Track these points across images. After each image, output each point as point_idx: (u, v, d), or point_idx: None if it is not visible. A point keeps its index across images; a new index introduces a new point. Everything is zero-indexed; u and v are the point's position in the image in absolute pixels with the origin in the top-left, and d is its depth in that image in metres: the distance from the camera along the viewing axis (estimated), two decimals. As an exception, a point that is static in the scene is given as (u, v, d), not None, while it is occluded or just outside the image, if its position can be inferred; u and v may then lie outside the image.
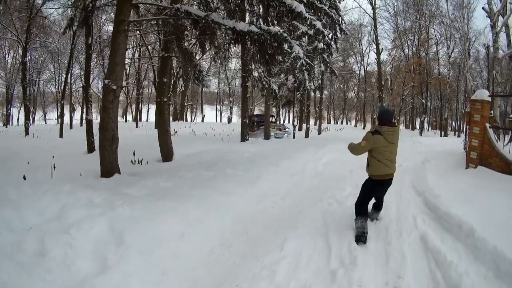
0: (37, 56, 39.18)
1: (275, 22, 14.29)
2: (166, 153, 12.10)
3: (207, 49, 11.00)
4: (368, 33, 44.75)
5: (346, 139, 21.16)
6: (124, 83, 21.28)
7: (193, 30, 9.96)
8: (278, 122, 32.19)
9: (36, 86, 45.04)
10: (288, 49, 10.00)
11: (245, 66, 16.89)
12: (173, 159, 12.08)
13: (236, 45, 10.05)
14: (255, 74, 17.87)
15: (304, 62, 17.77)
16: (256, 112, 51.93)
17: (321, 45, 18.19)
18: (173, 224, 4.93)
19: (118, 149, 8.58)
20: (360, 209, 5.52)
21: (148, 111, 60.62)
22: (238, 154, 11.51)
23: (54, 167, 8.98)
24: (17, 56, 36.11)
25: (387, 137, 5.25)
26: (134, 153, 11.14)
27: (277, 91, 19.25)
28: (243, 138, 17.54)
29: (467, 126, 13.97)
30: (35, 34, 28.49)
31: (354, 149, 5.49)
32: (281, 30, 8.76)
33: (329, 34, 18.13)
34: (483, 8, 17.35)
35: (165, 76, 12.58)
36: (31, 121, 44.44)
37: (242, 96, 17.51)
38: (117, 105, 8.99)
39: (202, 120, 58.26)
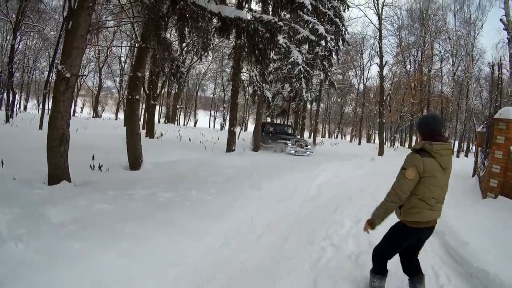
0: (34, 42, 37.38)
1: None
2: (133, 161, 10.32)
3: (188, 40, 9.36)
4: (370, 46, 43.89)
5: (343, 154, 19.95)
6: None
7: (172, 14, 8.28)
8: (297, 135, 24.65)
9: (32, 73, 43.56)
10: (283, 44, 8.19)
11: (236, 68, 15.30)
12: (141, 167, 10.33)
13: (223, 35, 8.26)
14: (246, 76, 16.02)
15: (302, 69, 16.28)
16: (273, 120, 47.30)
17: (321, 51, 16.67)
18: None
19: (89, 149, 6.88)
20: (381, 265, 3.80)
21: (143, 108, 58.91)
22: (216, 169, 9.75)
23: (2, 163, 7.59)
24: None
25: (441, 159, 3.37)
26: (93, 157, 9.33)
27: (270, 99, 17.30)
28: (229, 149, 15.80)
29: (478, 148, 12.50)
30: (30, 18, 26.72)
31: (391, 197, 3.50)
32: (275, 19, 7.02)
33: (332, 40, 16.59)
34: (500, 19, 15.78)
35: (140, 70, 10.83)
36: (21, 108, 43.42)
37: (231, 102, 15.76)
38: (71, 97, 7.24)
39: (195, 125, 56.83)
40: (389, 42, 38.56)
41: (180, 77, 10.82)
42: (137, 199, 5.93)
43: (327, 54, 17.29)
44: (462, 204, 7.60)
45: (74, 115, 41.99)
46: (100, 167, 9.26)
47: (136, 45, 12.05)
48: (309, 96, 20.18)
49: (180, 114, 59.66)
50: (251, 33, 7.20)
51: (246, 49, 7.94)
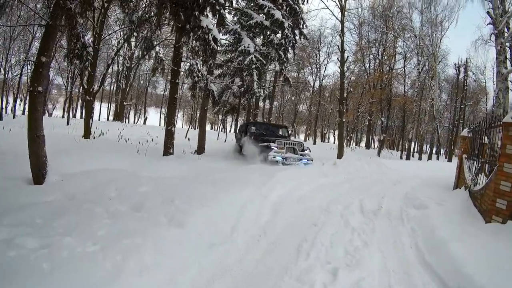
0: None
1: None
2: (36, 172, 7.64)
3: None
4: (328, 43, 42.82)
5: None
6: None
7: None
8: (291, 137, 19.52)
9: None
10: (229, 24, 6.00)
11: (176, 57, 12.84)
12: (45, 180, 7.74)
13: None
14: (186, 65, 13.45)
15: (254, 59, 14.11)
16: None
17: (278, 40, 14.56)
18: None
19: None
20: None
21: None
22: (132, 185, 7.08)
23: None
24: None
25: None
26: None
27: (215, 92, 14.53)
28: (166, 152, 13.29)
29: (463, 155, 10.74)
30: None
31: None
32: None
33: (289, 28, 14.52)
34: (487, 12, 14.12)
35: (46, 53, 8.21)
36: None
37: (169, 96, 13.20)
38: None
39: (144, 123, 53.88)
40: (348, 40, 37.20)
41: (87, 58, 8.26)
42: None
43: (283, 43, 15.16)
44: (465, 232, 5.62)
45: (24, 113, 38.37)
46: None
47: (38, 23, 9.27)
48: (262, 92, 17.98)
49: (129, 112, 56.77)
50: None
51: (168, 6, 5.58)
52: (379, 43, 37.25)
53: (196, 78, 12.21)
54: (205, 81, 12.95)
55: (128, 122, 47.67)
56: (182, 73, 12.97)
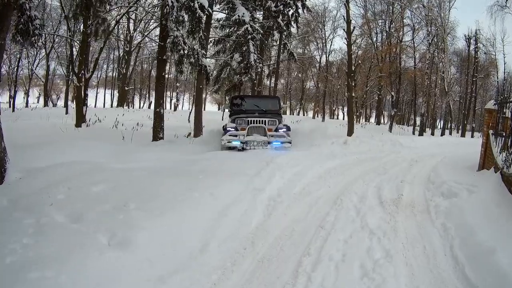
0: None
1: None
2: None
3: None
4: (333, 18, 41.28)
5: (307, 134, 16.04)
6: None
7: None
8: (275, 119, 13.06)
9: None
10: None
11: (162, 31, 11.44)
12: (4, 179, 6.52)
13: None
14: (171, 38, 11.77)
15: (250, 29, 12.69)
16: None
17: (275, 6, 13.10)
18: None
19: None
20: None
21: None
22: (90, 183, 5.50)
23: None
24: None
25: None
26: None
27: (208, 68, 12.70)
28: (156, 136, 12.04)
29: (489, 131, 9.26)
30: None
31: None
32: None
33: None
34: None
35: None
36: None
37: (157, 74, 11.78)
38: None
39: (149, 107, 52.92)
40: (353, 13, 35.44)
41: (34, 34, 6.91)
42: None
43: (281, 9, 13.68)
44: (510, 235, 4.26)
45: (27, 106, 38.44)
46: None
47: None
48: (265, 67, 16.59)
49: (133, 97, 55.66)
50: None
51: None
52: (386, 15, 35.28)
53: (182, 52, 10.77)
54: (196, 56, 11.51)
55: (133, 108, 46.83)
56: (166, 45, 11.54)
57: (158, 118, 12.14)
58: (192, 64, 11.66)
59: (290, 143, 11.32)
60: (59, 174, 6.09)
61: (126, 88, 43.31)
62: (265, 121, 11.77)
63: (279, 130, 11.70)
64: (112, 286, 3.04)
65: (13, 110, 28.43)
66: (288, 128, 12.22)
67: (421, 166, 10.11)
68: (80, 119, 15.69)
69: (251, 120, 11.66)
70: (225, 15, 17.13)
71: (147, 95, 59.11)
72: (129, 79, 44.15)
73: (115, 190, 5.20)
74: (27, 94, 42.13)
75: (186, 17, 10.40)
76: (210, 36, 18.71)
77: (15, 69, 31.87)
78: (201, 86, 14.53)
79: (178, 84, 49.79)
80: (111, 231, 3.81)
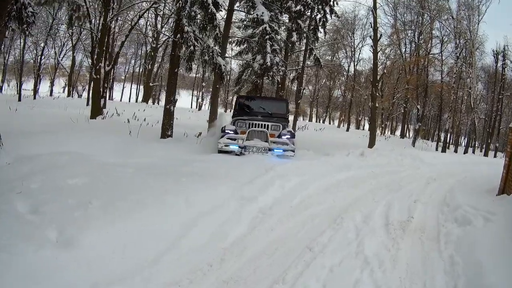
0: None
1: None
2: None
3: None
4: (363, 26, 40.15)
5: (326, 143, 15.53)
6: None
7: None
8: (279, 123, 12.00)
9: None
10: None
11: (177, 27, 11.05)
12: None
13: None
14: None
15: (269, 29, 12.24)
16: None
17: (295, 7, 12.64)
18: None
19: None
20: None
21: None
22: (68, 175, 5.24)
23: None
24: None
25: None
26: None
27: (223, 67, 11.96)
28: (164, 134, 11.69)
29: (511, 151, 8.49)
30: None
31: None
32: None
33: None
34: None
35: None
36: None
37: (169, 70, 11.42)
38: None
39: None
40: (383, 22, 34.92)
41: (26, 21, 6.66)
42: None
43: (303, 10, 13.19)
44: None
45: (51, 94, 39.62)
46: None
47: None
48: (284, 68, 16.12)
49: (159, 93, 55.84)
50: None
51: None
52: (415, 25, 34.83)
53: (192, 48, 10.36)
54: (211, 54, 11.09)
55: (158, 104, 46.41)
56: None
57: (168, 115, 11.82)
58: (206, 62, 11.24)
59: (293, 151, 10.44)
60: (42, 163, 5.85)
61: (151, 84, 43.63)
62: (267, 125, 10.95)
63: (282, 137, 10.88)
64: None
65: (34, 98, 28.93)
66: (293, 135, 11.33)
67: (438, 184, 9.42)
68: (96, 111, 15.54)
69: (252, 123, 10.90)
70: (248, 14, 16.84)
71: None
72: (154, 75, 44.49)
73: (89, 185, 4.92)
74: (52, 83, 42.81)
75: (198, 13, 10.19)
76: (234, 36, 18.37)
77: (39, 58, 32.12)
78: (217, 86, 14.15)
79: (204, 84, 49.61)
80: (62, 227, 3.53)
